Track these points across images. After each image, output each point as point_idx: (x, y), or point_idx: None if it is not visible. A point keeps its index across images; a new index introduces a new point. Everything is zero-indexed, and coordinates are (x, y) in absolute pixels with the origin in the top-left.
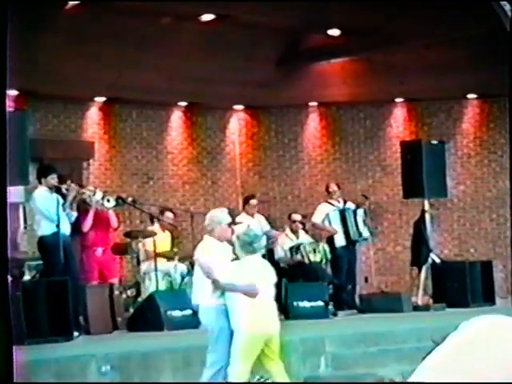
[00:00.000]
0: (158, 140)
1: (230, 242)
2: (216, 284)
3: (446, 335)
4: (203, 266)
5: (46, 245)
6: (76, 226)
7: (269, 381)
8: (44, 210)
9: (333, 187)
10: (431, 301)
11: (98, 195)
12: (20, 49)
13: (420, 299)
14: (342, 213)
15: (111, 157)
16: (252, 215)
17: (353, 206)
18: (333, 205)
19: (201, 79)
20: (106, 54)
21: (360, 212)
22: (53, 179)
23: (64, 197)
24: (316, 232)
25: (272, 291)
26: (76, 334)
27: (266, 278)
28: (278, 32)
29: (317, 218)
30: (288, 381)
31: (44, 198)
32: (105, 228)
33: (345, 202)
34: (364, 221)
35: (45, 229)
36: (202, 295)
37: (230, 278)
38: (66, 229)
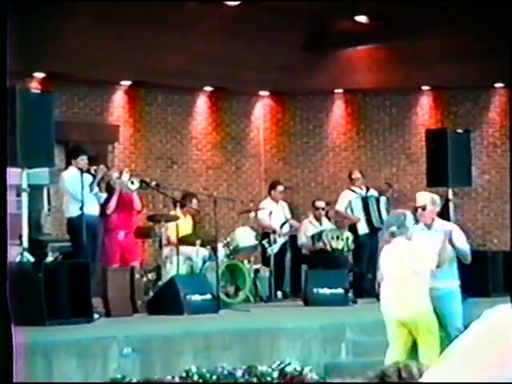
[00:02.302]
0: (182, 125)
1: None
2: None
3: (468, 324)
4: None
5: (73, 226)
6: (102, 208)
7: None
8: (72, 191)
9: (356, 174)
10: None
11: (125, 176)
12: (47, 32)
13: None
14: (365, 200)
15: (136, 141)
16: (277, 201)
17: (376, 194)
18: (355, 192)
19: (227, 64)
20: (132, 37)
21: (383, 200)
22: (82, 160)
23: (93, 177)
24: (339, 219)
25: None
26: (96, 316)
27: None
28: (304, 17)
29: (340, 205)
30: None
31: (73, 178)
32: (128, 211)
33: (367, 190)
34: (387, 209)
35: (72, 211)
36: (452, 276)
37: None
38: (94, 210)
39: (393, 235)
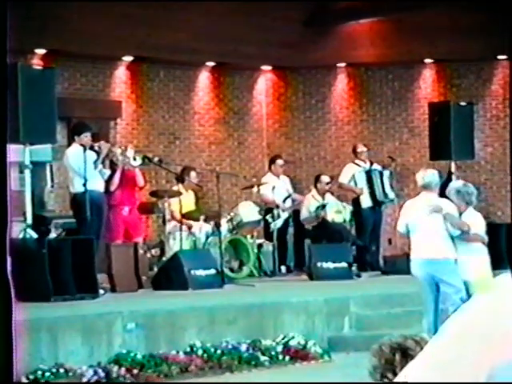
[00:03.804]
0: (185, 100)
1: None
2: (466, 236)
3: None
4: (454, 218)
5: (77, 202)
6: (107, 184)
7: None
8: (76, 167)
9: (361, 148)
10: None
11: (130, 153)
12: (48, 8)
13: None
14: (368, 173)
15: (138, 116)
16: (278, 176)
17: (379, 168)
18: (359, 165)
19: (229, 39)
20: (134, 12)
21: (386, 173)
22: (86, 137)
23: (98, 154)
24: (342, 193)
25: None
26: (102, 291)
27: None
28: None
29: (343, 178)
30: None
31: (77, 155)
32: (131, 187)
33: (371, 164)
34: (390, 183)
35: (77, 187)
36: (441, 248)
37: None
38: (99, 186)
39: (471, 203)
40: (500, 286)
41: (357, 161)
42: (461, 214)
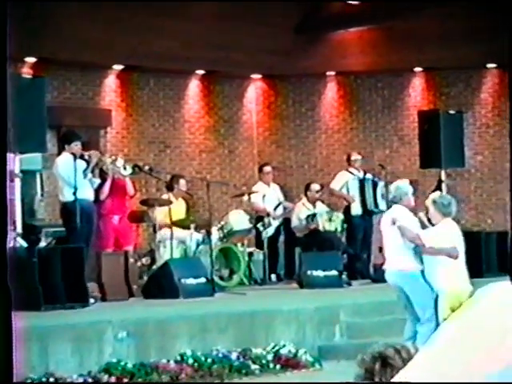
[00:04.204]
0: (175, 108)
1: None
2: (422, 248)
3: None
4: (406, 230)
5: (67, 211)
6: (96, 193)
7: None
8: (66, 176)
9: (355, 156)
10: None
11: (119, 162)
12: (39, 16)
13: None
14: (362, 182)
15: (128, 125)
16: (267, 184)
17: (372, 177)
18: (353, 174)
19: (219, 47)
20: (124, 21)
21: (381, 184)
22: (76, 146)
23: (87, 163)
24: (332, 202)
25: (462, 251)
26: (92, 300)
27: (460, 239)
28: (296, 0)
29: (335, 184)
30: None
31: (67, 164)
32: (121, 196)
33: (365, 173)
34: (383, 194)
35: (67, 195)
36: (403, 260)
37: (430, 242)
38: (89, 195)
39: (449, 214)
40: (493, 294)
41: (350, 169)
42: (434, 225)
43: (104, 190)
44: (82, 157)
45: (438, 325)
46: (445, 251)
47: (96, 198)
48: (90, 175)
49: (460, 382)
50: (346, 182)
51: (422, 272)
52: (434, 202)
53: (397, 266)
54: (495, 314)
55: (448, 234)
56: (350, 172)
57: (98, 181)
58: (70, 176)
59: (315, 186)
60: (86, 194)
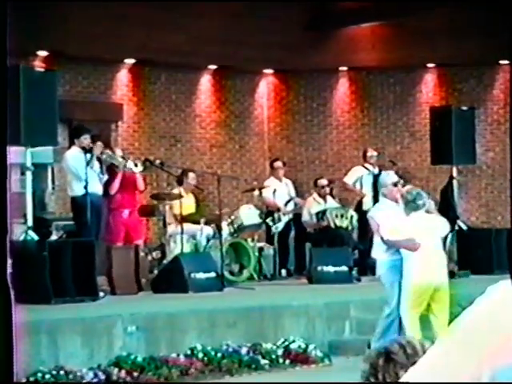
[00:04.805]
0: (186, 103)
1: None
2: (382, 239)
3: (472, 301)
4: (371, 222)
5: (77, 205)
6: (104, 188)
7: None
8: (75, 170)
9: (371, 152)
10: (456, 267)
11: (130, 164)
12: (51, 10)
13: None
14: (376, 178)
15: (139, 119)
16: (279, 179)
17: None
18: (368, 169)
19: (230, 42)
20: (136, 15)
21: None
22: (85, 139)
23: (91, 153)
24: (343, 197)
25: (438, 243)
26: (102, 294)
27: (430, 231)
28: None
29: (349, 179)
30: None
31: (75, 158)
32: (132, 190)
33: (380, 170)
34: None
35: (76, 190)
36: (377, 250)
37: (393, 234)
38: (98, 189)
39: (417, 208)
40: (501, 291)
41: (366, 164)
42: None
43: (114, 184)
44: (90, 150)
45: (394, 319)
46: (402, 244)
47: (106, 192)
48: (96, 165)
49: (464, 383)
50: (359, 176)
51: (399, 263)
52: (402, 196)
53: (373, 255)
54: (505, 310)
55: (409, 227)
56: (366, 167)
57: (105, 176)
58: (79, 170)
59: (322, 181)
60: (95, 187)
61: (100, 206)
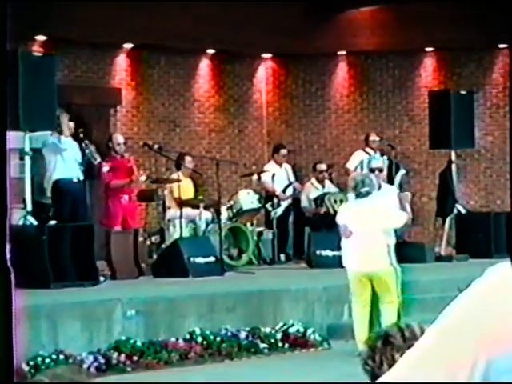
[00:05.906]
0: (185, 87)
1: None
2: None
3: (469, 284)
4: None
5: (57, 189)
6: (98, 172)
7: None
8: (53, 155)
9: (373, 136)
10: (454, 251)
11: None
12: None
13: (443, 250)
14: None
15: (138, 104)
16: (280, 164)
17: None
18: (369, 154)
19: (229, 26)
20: None
21: (401, 172)
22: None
23: (80, 147)
24: (341, 181)
25: (378, 233)
26: (102, 278)
27: (368, 220)
28: None
29: (351, 164)
30: (395, 321)
31: (54, 143)
32: (127, 176)
33: (382, 155)
34: (400, 181)
35: (58, 173)
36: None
37: (337, 219)
38: (77, 173)
39: (358, 195)
40: (497, 275)
41: (367, 149)
42: None
43: (107, 169)
44: (74, 136)
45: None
46: (339, 229)
47: (94, 177)
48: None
49: (461, 383)
50: (361, 161)
51: None
52: (348, 182)
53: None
54: (502, 292)
55: (346, 213)
56: (367, 152)
57: (98, 158)
58: (57, 154)
59: (321, 166)
60: (76, 172)
61: (80, 191)
